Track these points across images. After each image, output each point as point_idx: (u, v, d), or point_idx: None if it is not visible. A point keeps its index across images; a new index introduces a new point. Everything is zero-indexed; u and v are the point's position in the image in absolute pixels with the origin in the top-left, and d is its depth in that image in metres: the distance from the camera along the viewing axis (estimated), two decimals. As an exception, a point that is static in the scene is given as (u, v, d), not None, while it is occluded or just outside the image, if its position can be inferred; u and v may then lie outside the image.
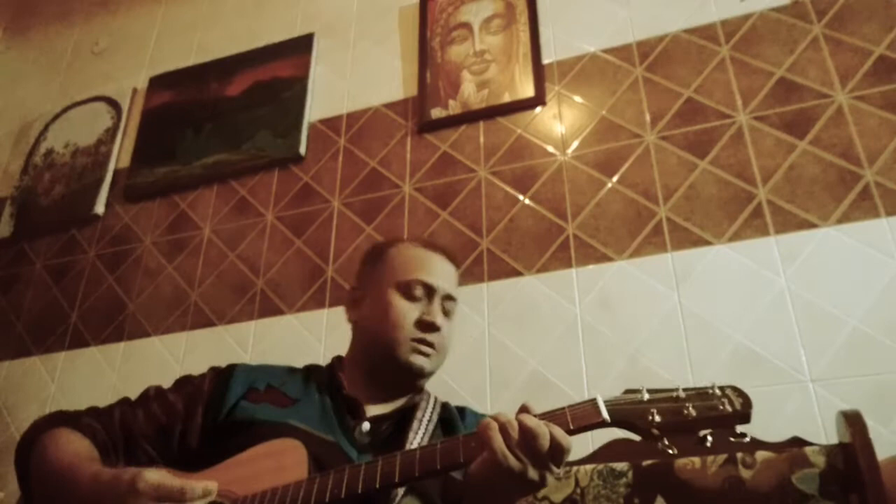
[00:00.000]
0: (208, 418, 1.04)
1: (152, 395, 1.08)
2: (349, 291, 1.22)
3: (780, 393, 1.39)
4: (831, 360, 1.39)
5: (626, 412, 0.81)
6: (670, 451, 0.79)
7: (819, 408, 1.36)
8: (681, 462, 1.22)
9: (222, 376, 1.09)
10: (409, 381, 1.12)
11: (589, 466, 1.28)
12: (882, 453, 1.07)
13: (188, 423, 1.04)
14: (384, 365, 1.11)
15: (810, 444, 1.21)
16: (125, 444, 1.02)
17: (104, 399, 1.11)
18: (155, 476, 0.83)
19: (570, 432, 0.81)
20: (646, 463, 1.25)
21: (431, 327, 1.10)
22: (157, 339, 1.97)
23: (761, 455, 1.19)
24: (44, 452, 0.96)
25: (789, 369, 1.41)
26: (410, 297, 1.11)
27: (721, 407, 0.79)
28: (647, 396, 0.82)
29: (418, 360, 1.09)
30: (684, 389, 0.81)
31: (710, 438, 0.78)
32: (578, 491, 1.25)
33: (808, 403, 1.37)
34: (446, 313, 1.14)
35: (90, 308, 2.12)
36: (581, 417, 0.81)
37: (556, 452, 0.79)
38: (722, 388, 0.81)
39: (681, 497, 1.19)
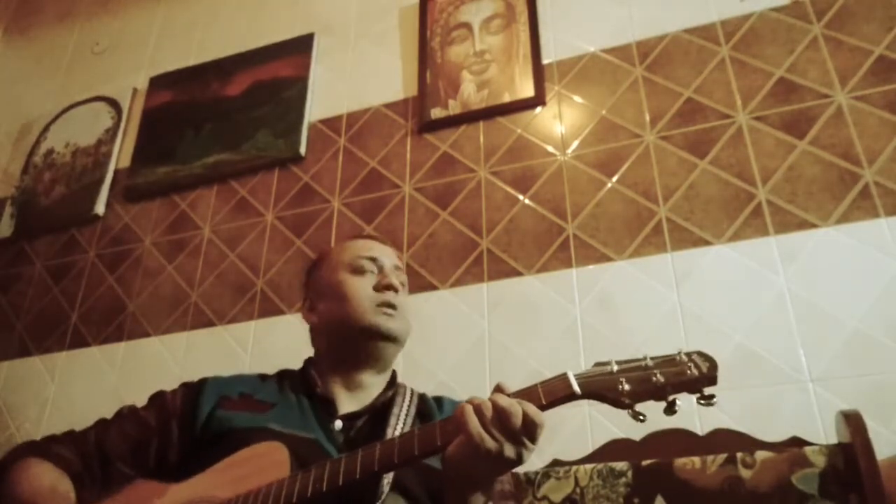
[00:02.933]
0: (185, 433, 1.03)
1: (125, 414, 1.08)
2: (302, 303, 1.23)
3: (780, 393, 1.39)
4: (831, 360, 1.39)
5: (596, 384, 0.83)
6: (640, 419, 0.81)
7: (819, 408, 1.36)
8: (680, 462, 1.22)
9: (192, 390, 1.09)
10: (380, 352, 1.11)
11: (589, 466, 1.28)
12: (882, 453, 1.08)
13: (163, 438, 1.04)
14: (352, 342, 1.11)
15: (810, 443, 1.21)
16: (101, 467, 1.02)
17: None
18: None
19: (543, 407, 0.82)
20: (645, 463, 1.25)
21: (389, 287, 1.12)
22: (157, 339, 1.98)
23: (761, 455, 1.19)
24: (13, 481, 0.96)
25: (789, 369, 1.41)
26: (361, 273, 1.14)
27: (688, 371, 0.81)
28: (616, 367, 0.84)
29: (384, 321, 1.10)
30: (651, 358, 0.84)
31: (679, 403, 0.81)
32: (578, 490, 1.25)
33: (807, 403, 1.37)
34: (402, 283, 1.17)
35: (90, 308, 2.12)
36: (552, 392, 0.83)
37: (530, 428, 0.81)
38: (688, 354, 0.83)
39: (680, 497, 1.19)
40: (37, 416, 1.96)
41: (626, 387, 0.82)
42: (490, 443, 0.80)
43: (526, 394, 0.84)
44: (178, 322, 1.98)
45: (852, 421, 1.10)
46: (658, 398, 0.81)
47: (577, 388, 0.83)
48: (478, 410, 0.81)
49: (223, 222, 2.11)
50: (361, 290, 1.12)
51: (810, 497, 1.12)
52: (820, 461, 1.15)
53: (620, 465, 1.26)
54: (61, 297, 2.18)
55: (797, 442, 1.23)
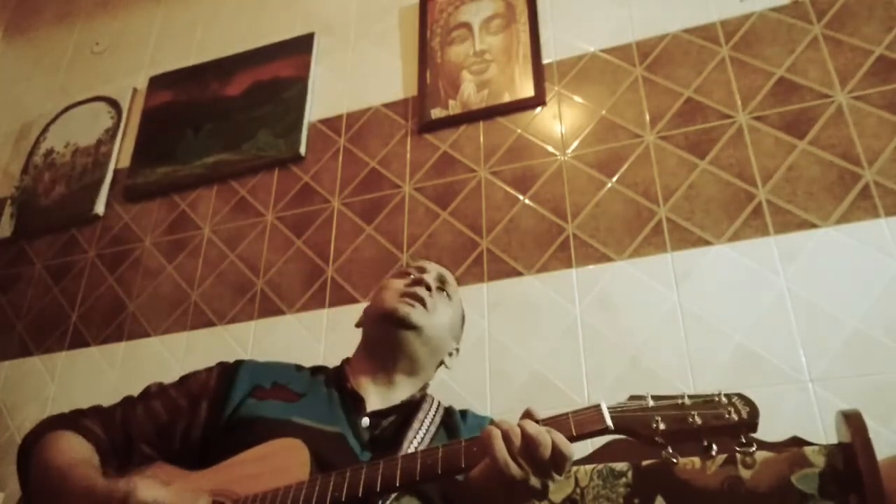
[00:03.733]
0: (213, 414, 1.03)
1: (154, 392, 1.08)
2: None
3: (779, 393, 1.39)
4: (831, 360, 1.39)
5: (630, 419, 0.80)
6: (674, 461, 0.78)
7: (819, 408, 1.36)
8: (681, 462, 1.22)
9: (228, 372, 1.09)
10: (398, 340, 1.12)
11: (589, 466, 1.28)
12: (882, 453, 1.07)
13: (192, 418, 1.03)
14: (376, 329, 1.15)
15: (810, 443, 1.21)
16: (124, 446, 1.02)
17: (104, 400, 1.11)
18: (149, 493, 0.83)
19: (573, 439, 0.80)
20: (645, 463, 1.25)
21: (418, 282, 1.16)
22: (157, 339, 1.98)
23: (761, 455, 1.19)
24: (43, 455, 0.96)
25: (789, 369, 1.41)
26: (402, 276, 1.20)
27: (727, 415, 0.77)
28: (651, 403, 0.80)
29: (401, 307, 1.12)
30: (690, 396, 0.80)
31: (714, 447, 0.77)
32: (578, 491, 1.25)
33: (807, 403, 1.37)
34: (443, 291, 1.21)
35: (90, 308, 2.12)
36: (585, 424, 0.81)
37: (559, 460, 0.79)
38: (728, 396, 0.79)
39: (681, 497, 1.19)
40: (37, 416, 1.96)
41: (661, 426, 0.78)
42: (516, 471, 0.78)
43: (556, 422, 0.81)
44: (178, 322, 1.98)
45: (852, 421, 1.10)
46: (693, 440, 0.78)
47: (610, 423, 0.80)
48: (506, 436, 0.79)
49: (223, 222, 2.11)
50: (393, 285, 1.18)
51: (810, 497, 1.12)
52: (820, 461, 1.15)
53: (620, 466, 1.25)
54: (61, 297, 2.18)
55: (797, 442, 1.23)
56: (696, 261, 1.58)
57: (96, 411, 1.06)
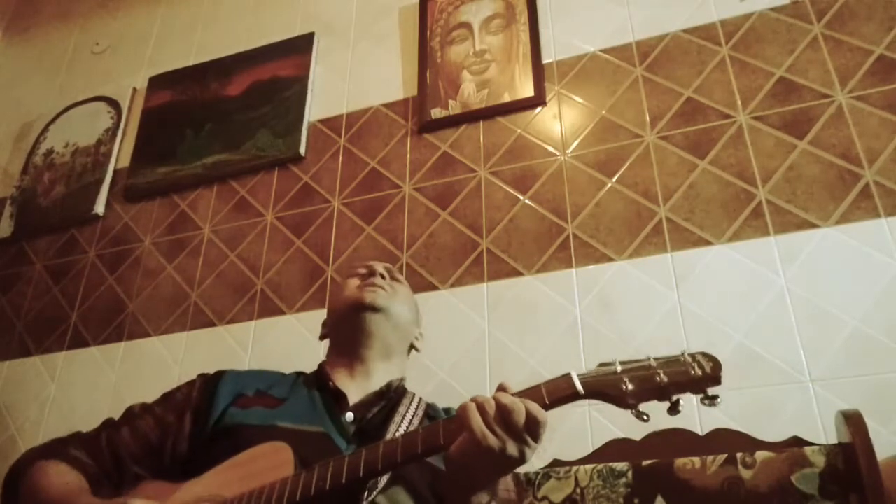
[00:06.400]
0: (197, 425, 1.04)
1: (138, 413, 1.09)
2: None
3: (780, 393, 1.39)
4: (831, 360, 1.39)
5: (599, 383, 0.84)
6: (644, 419, 0.81)
7: (819, 408, 1.36)
8: (680, 462, 1.22)
9: (210, 384, 1.10)
10: (366, 323, 1.15)
11: (589, 466, 1.28)
12: (882, 453, 1.07)
13: (179, 433, 1.05)
14: (343, 321, 1.18)
15: (810, 443, 1.21)
16: (115, 469, 1.02)
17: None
18: None
19: (546, 406, 0.83)
20: (646, 463, 1.25)
21: (370, 273, 1.22)
22: (157, 339, 1.97)
23: (761, 455, 1.19)
24: (35, 482, 0.97)
25: (789, 369, 1.41)
26: (354, 276, 1.24)
27: (692, 371, 0.82)
28: (619, 368, 0.85)
29: (367, 295, 1.17)
30: (655, 358, 0.85)
31: (682, 403, 0.81)
32: (578, 491, 1.25)
33: (808, 403, 1.37)
34: (394, 279, 1.25)
35: (90, 308, 2.12)
36: (555, 391, 0.84)
37: (533, 426, 0.81)
38: (692, 355, 0.84)
39: (681, 497, 1.19)
40: (37, 416, 1.96)
41: (630, 387, 0.82)
42: (492, 440, 0.80)
43: (529, 393, 0.85)
44: (177, 322, 1.98)
45: (852, 421, 1.10)
46: (661, 398, 0.82)
47: (580, 388, 0.83)
48: (480, 408, 0.82)
49: (223, 222, 2.11)
50: (349, 284, 1.22)
51: (810, 497, 1.12)
52: (820, 461, 1.15)
53: (620, 466, 1.25)
54: (61, 297, 2.18)
55: (797, 442, 1.23)
56: (696, 261, 1.58)
57: (79, 438, 1.07)
